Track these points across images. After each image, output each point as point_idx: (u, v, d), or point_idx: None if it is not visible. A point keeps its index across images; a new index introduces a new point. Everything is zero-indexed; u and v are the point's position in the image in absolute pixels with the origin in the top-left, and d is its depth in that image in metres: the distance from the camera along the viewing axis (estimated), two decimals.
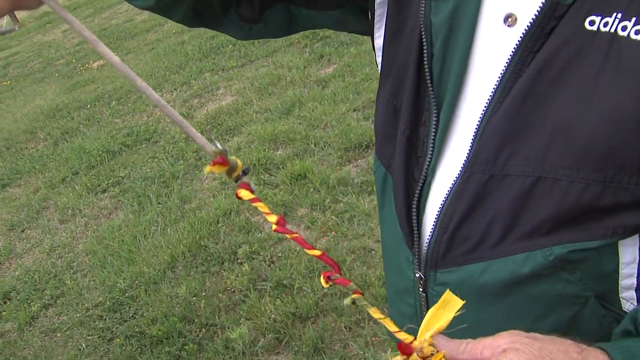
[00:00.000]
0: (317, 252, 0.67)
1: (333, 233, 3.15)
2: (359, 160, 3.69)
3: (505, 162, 0.67)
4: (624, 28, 0.58)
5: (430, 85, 0.76)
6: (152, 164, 4.60)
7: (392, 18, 0.84)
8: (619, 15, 0.58)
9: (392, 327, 0.64)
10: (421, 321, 0.90)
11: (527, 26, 0.65)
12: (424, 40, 0.75)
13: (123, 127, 5.50)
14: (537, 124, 0.64)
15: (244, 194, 0.64)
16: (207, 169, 0.61)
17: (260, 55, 6.16)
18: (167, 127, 5.21)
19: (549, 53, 0.63)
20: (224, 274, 3.12)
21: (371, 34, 0.90)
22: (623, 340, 0.58)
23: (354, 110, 4.29)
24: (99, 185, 4.55)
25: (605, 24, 0.59)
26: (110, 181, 4.56)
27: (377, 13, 0.85)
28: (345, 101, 4.46)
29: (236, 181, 0.64)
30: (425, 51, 0.75)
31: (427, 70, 0.75)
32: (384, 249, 1.00)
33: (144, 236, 3.68)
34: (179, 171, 4.32)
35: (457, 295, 0.65)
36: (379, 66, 0.89)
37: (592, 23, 0.60)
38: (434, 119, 0.76)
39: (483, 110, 0.70)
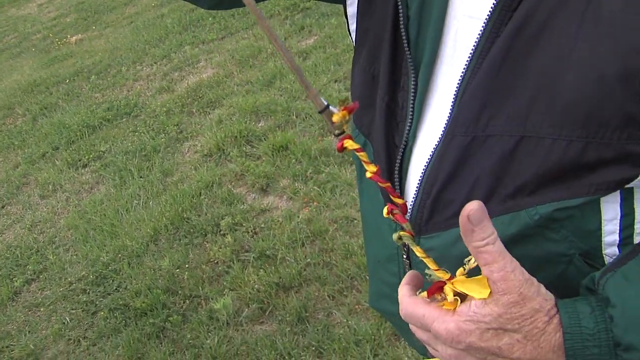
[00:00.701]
0: (401, 201, 0.70)
1: (315, 203, 3.16)
2: None
3: (487, 123, 0.66)
4: None
5: (407, 49, 0.75)
6: (133, 137, 4.56)
7: None
8: None
9: (432, 265, 0.65)
10: None
11: None
12: (399, 4, 0.74)
13: (103, 102, 5.44)
14: (518, 84, 0.64)
15: (349, 143, 0.63)
16: (336, 116, 0.59)
17: (241, 27, 6.10)
18: (148, 100, 5.16)
19: (526, 10, 0.62)
20: (207, 245, 3.12)
21: (343, 2, 0.88)
22: (578, 301, 0.59)
23: (335, 81, 4.27)
24: (79, 160, 4.51)
25: None
26: (91, 156, 4.52)
27: None
28: (327, 72, 4.44)
29: (340, 134, 0.63)
30: (401, 15, 0.74)
31: (403, 34, 0.75)
32: (364, 219, 0.99)
33: (126, 210, 3.66)
34: (160, 144, 4.29)
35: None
36: (353, 34, 0.88)
37: None
38: (412, 83, 0.75)
39: (462, 71, 0.69)
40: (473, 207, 0.56)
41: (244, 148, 3.85)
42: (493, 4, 0.65)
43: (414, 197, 0.77)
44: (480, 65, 0.66)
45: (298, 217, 3.12)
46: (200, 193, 3.56)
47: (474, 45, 0.68)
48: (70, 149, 4.72)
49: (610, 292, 0.58)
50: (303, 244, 2.92)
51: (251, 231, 3.12)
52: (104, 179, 4.17)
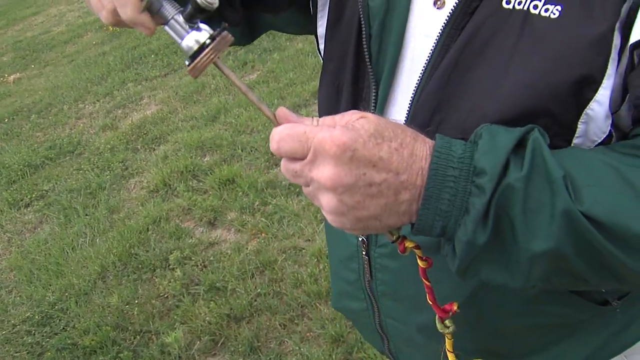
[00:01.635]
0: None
1: (264, 235, 3.21)
2: None
3: (436, 129, 0.74)
4: (535, 7, 0.66)
5: (369, 63, 0.83)
6: (77, 176, 4.52)
7: (333, 7, 0.92)
8: None
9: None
10: (364, 286, 0.98)
11: (453, 7, 0.73)
12: (362, 23, 0.83)
13: (45, 141, 5.37)
14: (462, 92, 0.72)
15: (409, 243, 0.72)
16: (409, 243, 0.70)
17: (183, 64, 6.14)
18: (92, 138, 5.13)
19: (472, 29, 0.71)
20: (157, 280, 3.12)
21: (314, 24, 0.97)
22: (456, 140, 0.64)
23: None
24: (21, 200, 4.43)
25: (519, 3, 0.68)
26: (34, 195, 4.45)
27: (319, 4, 0.93)
28: (270, 106, 4.51)
29: (397, 238, 0.71)
30: (364, 33, 0.83)
31: (365, 50, 0.83)
32: (326, 224, 1.07)
33: (72, 248, 3.62)
34: (106, 182, 4.27)
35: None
36: (321, 53, 0.97)
37: (508, 2, 0.68)
38: (373, 94, 0.84)
39: (416, 83, 0.78)
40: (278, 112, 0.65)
41: (191, 182, 3.87)
42: (444, 23, 0.74)
43: None
44: (432, 77, 0.75)
45: (247, 248, 3.16)
46: (147, 228, 3.55)
47: (427, 60, 0.77)
48: (11, 188, 4.64)
49: (484, 129, 0.64)
50: (253, 275, 2.96)
51: (200, 264, 3.14)
52: (47, 218, 4.11)
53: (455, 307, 0.76)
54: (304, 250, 3.01)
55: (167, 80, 5.89)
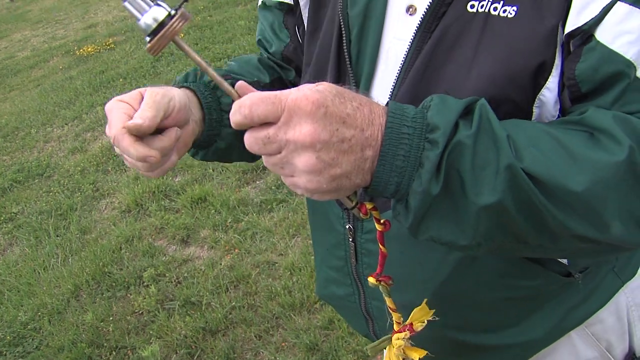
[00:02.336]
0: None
1: (237, 250, 3.27)
2: (257, 182, 3.85)
3: None
4: (495, 8, 0.77)
5: (349, 66, 0.93)
6: (47, 198, 4.52)
7: (311, 19, 1.04)
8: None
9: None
10: (351, 271, 1.06)
11: (424, 12, 0.83)
12: (342, 29, 0.93)
13: (12, 164, 5.35)
14: (435, 88, 0.82)
15: (369, 205, 0.79)
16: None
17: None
18: (61, 161, 5.13)
19: (441, 31, 0.82)
20: (131, 297, 3.15)
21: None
22: (407, 105, 0.71)
23: None
24: None
25: (482, 6, 0.78)
26: (2, 218, 4.43)
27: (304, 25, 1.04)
28: None
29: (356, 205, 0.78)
30: (344, 38, 0.93)
31: (346, 54, 0.93)
32: (313, 212, 1.15)
33: (44, 268, 3.62)
34: (77, 203, 4.28)
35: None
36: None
37: (472, 6, 0.79)
38: None
39: (393, 82, 0.88)
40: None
41: (163, 202, 3.92)
42: (416, 28, 0.84)
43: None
44: (407, 76, 0.86)
45: (220, 264, 3.21)
46: (120, 247, 3.58)
47: (402, 61, 0.87)
48: None
49: (434, 96, 0.71)
50: (227, 289, 3.01)
51: (174, 281, 3.18)
52: (17, 240, 4.10)
53: (390, 282, 0.85)
54: (277, 264, 3.08)
55: None
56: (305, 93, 0.64)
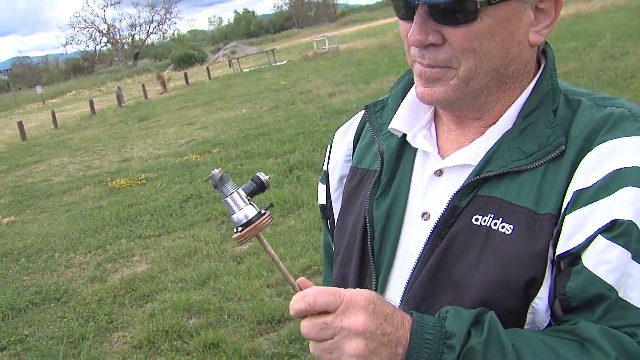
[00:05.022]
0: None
1: None
2: (271, 334, 3.90)
3: (424, 314, 0.94)
4: (495, 224, 0.92)
5: (372, 259, 1.08)
6: (60, 324, 4.58)
7: (342, 212, 1.20)
8: (492, 216, 0.93)
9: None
10: None
11: (437, 221, 0.99)
12: (368, 227, 1.09)
13: (31, 285, 5.46)
14: (444, 286, 0.96)
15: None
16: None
17: (178, 227, 6.43)
18: (79, 288, 5.24)
19: (451, 238, 0.97)
20: None
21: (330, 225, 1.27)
22: (427, 315, 0.84)
23: (268, 286, 4.55)
24: None
25: (485, 221, 0.94)
26: (12, 339, 4.47)
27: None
28: (260, 277, 4.73)
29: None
30: (369, 235, 1.09)
31: (370, 248, 1.09)
32: None
33: None
34: (90, 333, 4.33)
35: None
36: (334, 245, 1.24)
37: (476, 220, 0.95)
38: (374, 283, 1.07)
39: (409, 276, 1.02)
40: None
41: (175, 343, 3.96)
42: (430, 232, 1.00)
43: None
44: (420, 274, 1.00)
45: None
46: None
47: (417, 259, 1.01)
48: None
49: (449, 308, 0.84)
50: None
51: None
52: None
53: None
54: None
55: (160, 241, 6.13)
56: (360, 291, 0.80)
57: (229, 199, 0.86)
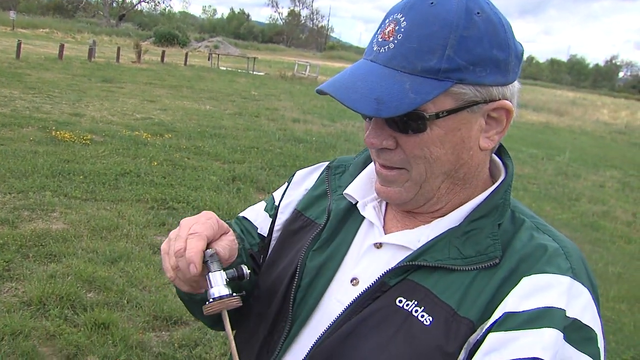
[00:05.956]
0: None
1: None
2: (163, 332, 3.85)
3: None
4: (416, 311, 0.96)
5: (291, 306, 1.10)
6: None
7: (275, 251, 1.23)
8: (415, 303, 0.97)
9: None
10: None
11: (364, 289, 1.02)
12: (297, 275, 1.12)
13: None
14: (350, 354, 0.99)
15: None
16: None
17: (107, 198, 6.30)
18: None
19: (371, 311, 1.00)
20: None
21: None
22: None
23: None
24: None
25: (407, 305, 0.97)
26: None
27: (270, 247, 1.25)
28: None
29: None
30: (295, 282, 1.11)
31: (292, 296, 1.11)
32: None
33: None
34: None
35: None
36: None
37: (400, 302, 0.98)
38: (286, 331, 1.09)
39: (320, 334, 1.05)
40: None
41: (66, 311, 3.86)
42: (354, 298, 1.03)
43: None
44: (333, 334, 1.02)
45: None
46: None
47: (334, 319, 1.04)
48: None
49: None
50: None
51: None
52: None
53: None
54: None
55: (84, 205, 5.98)
56: None
57: (211, 275, 0.98)
